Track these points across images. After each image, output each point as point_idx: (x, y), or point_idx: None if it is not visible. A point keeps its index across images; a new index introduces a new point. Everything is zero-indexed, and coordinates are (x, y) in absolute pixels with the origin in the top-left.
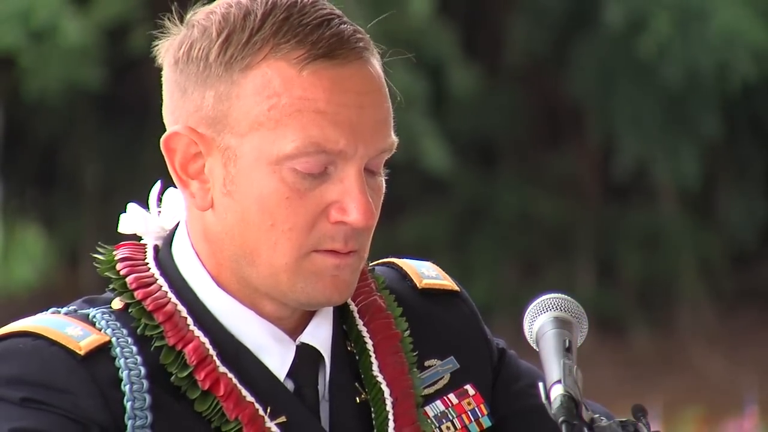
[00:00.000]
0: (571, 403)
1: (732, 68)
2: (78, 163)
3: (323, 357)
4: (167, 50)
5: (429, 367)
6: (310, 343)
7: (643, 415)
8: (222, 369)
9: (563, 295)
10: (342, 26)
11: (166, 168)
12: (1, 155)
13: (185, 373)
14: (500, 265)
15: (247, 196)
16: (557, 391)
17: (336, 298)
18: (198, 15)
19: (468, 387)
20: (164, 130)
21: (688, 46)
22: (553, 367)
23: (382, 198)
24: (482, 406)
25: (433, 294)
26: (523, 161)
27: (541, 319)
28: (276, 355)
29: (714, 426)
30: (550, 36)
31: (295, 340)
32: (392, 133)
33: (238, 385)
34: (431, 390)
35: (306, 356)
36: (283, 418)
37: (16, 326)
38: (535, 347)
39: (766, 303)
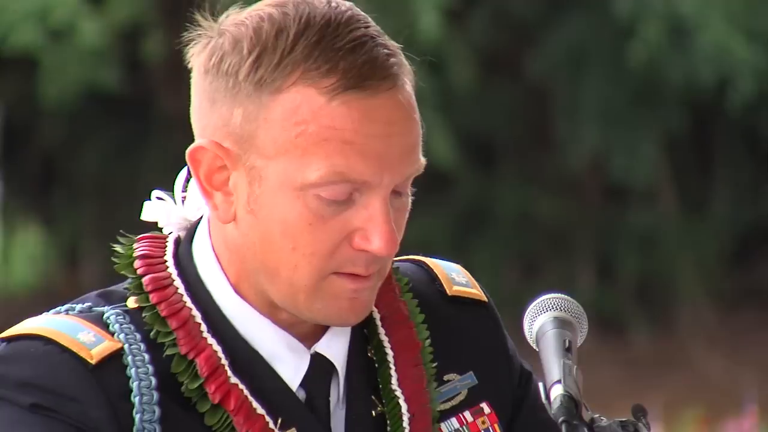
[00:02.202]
0: (571, 403)
1: (729, 83)
2: (78, 163)
3: (337, 371)
4: (197, 55)
5: (447, 381)
6: (325, 354)
7: (643, 415)
8: (233, 380)
9: (563, 295)
10: (375, 49)
11: (166, 169)
12: (1, 155)
13: (196, 385)
14: (500, 265)
15: (270, 218)
16: (557, 391)
17: (352, 320)
18: (229, 21)
19: (484, 405)
20: (163, 132)
21: (679, 56)
22: (553, 367)
23: (407, 215)
24: (496, 425)
25: (461, 302)
26: (522, 161)
27: (541, 319)
28: (290, 364)
29: (714, 426)
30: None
31: (309, 349)
32: (420, 155)
33: (249, 396)
34: (447, 406)
35: (319, 366)
36: (293, 430)
37: (27, 327)
38: (535, 347)
39: (766, 303)
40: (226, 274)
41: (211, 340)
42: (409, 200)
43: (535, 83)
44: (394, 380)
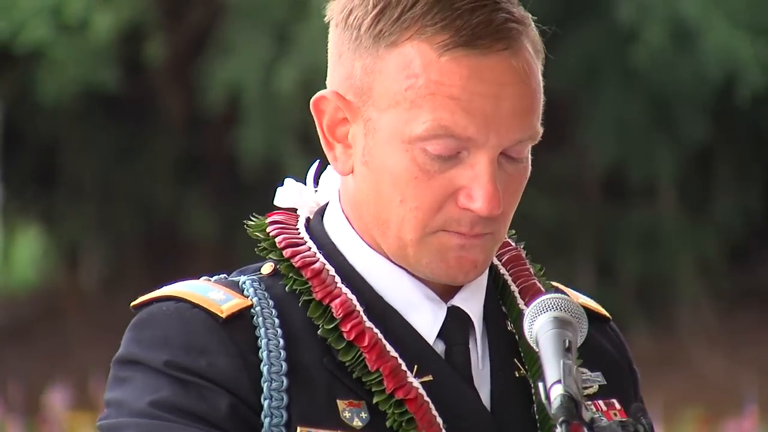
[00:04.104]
0: (570, 403)
1: (732, 81)
2: (78, 163)
3: (474, 326)
4: (333, 11)
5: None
6: (462, 307)
7: (643, 415)
8: (368, 324)
9: (563, 295)
10: (494, 13)
11: (166, 169)
12: (1, 155)
13: (331, 326)
14: None
15: (381, 170)
16: (557, 391)
17: (460, 277)
18: None
19: (614, 401)
20: (164, 132)
21: (681, 58)
22: (553, 367)
23: (525, 182)
24: None
25: (588, 314)
26: None
27: (541, 319)
28: (428, 313)
29: (714, 426)
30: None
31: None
32: (536, 123)
33: (383, 340)
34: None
35: (456, 320)
36: (428, 377)
37: (160, 292)
38: (535, 347)
39: (766, 303)
40: (355, 230)
41: (345, 290)
42: (528, 167)
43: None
44: None
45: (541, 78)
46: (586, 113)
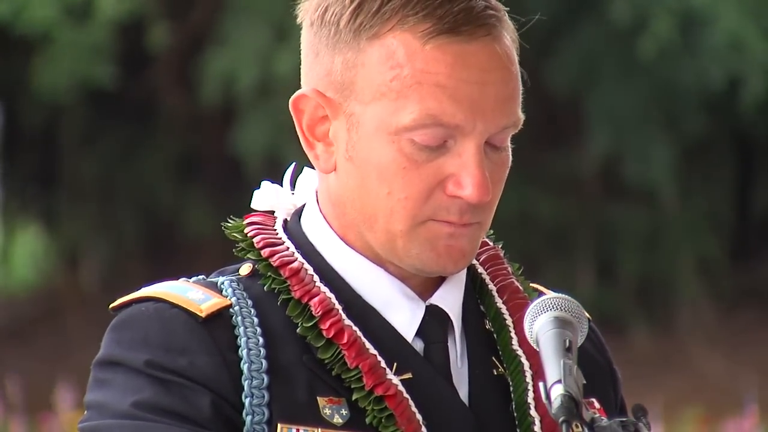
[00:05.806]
0: (571, 403)
1: (740, 78)
2: (78, 163)
3: (452, 324)
4: (306, 11)
5: None
6: (440, 305)
7: (643, 415)
8: (347, 322)
9: (563, 295)
10: (473, 1)
11: (167, 168)
12: (1, 155)
13: (310, 324)
14: None
15: (367, 163)
16: (557, 391)
17: (450, 267)
18: None
19: (593, 400)
20: (165, 131)
21: (690, 50)
22: (553, 367)
23: (507, 171)
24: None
25: None
26: (522, 160)
27: (541, 319)
28: (406, 312)
29: (714, 426)
30: (543, 30)
31: (424, 302)
32: (518, 110)
33: (362, 338)
34: None
35: (435, 318)
36: (408, 375)
37: (139, 293)
38: (535, 347)
39: (766, 303)
40: (333, 229)
41: (324, 289)
42: (509, 155)
43: (539, 85)
44: (514, 341)
45: (518, 66)
46: (586, 113)
